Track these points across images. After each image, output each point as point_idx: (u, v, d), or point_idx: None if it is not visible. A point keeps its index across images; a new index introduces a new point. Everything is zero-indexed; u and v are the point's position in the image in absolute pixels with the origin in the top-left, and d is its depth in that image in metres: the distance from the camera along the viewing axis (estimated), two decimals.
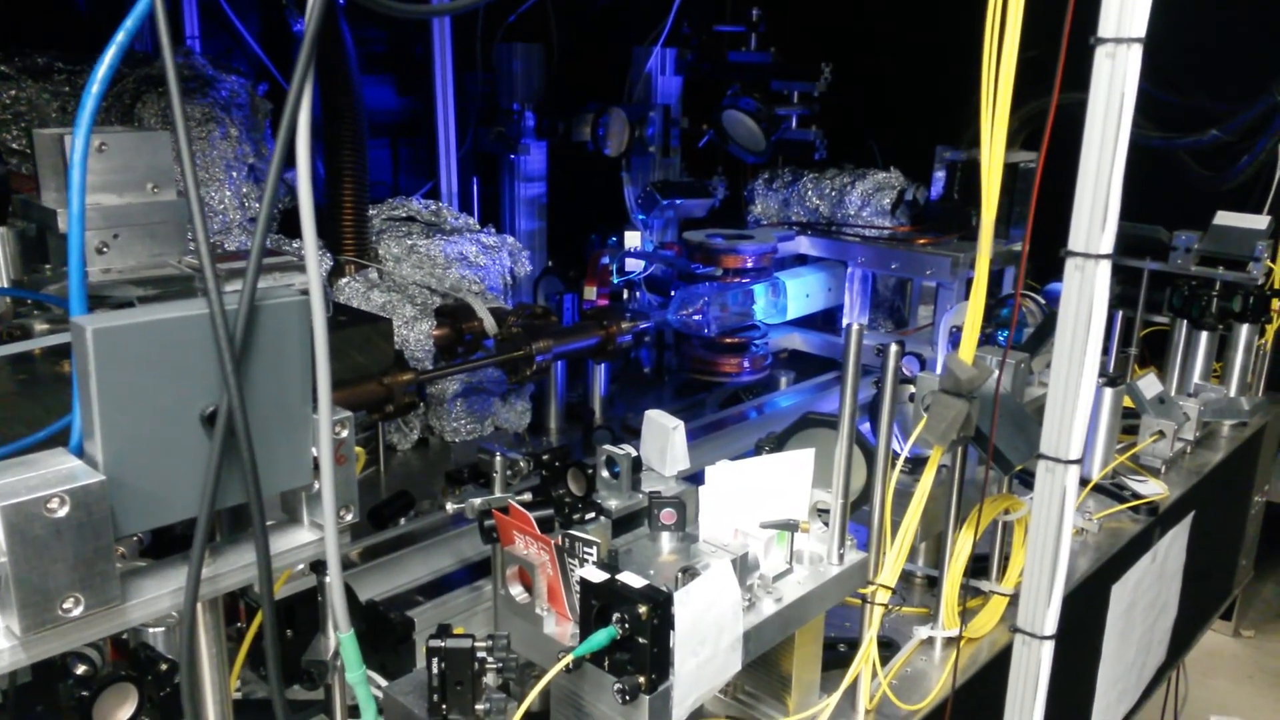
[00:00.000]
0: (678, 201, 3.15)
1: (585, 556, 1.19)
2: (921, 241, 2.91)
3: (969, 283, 2.62)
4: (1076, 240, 1.24)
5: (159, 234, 1.39)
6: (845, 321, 3.15)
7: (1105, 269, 1.23)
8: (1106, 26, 1.17)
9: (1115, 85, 1.17)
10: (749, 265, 2.85)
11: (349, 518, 0.92)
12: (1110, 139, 1.19)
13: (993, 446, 1.42)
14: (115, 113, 2.31)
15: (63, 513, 0.75)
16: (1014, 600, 1.68)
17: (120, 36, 0.74)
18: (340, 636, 0.93)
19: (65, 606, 0.77)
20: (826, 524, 1.36)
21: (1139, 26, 1.15)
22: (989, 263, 1.32)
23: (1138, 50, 1.16)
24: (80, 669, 1.09)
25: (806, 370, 3.04)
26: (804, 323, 3.13)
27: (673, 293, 2.85)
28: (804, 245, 3.10)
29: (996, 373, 1.39)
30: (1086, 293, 1.24)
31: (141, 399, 0.79)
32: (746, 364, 2.89)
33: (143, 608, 0.83)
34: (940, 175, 3.05)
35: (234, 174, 2.35)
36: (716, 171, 3.51)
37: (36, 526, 0.74)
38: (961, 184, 3.05)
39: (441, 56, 3.16)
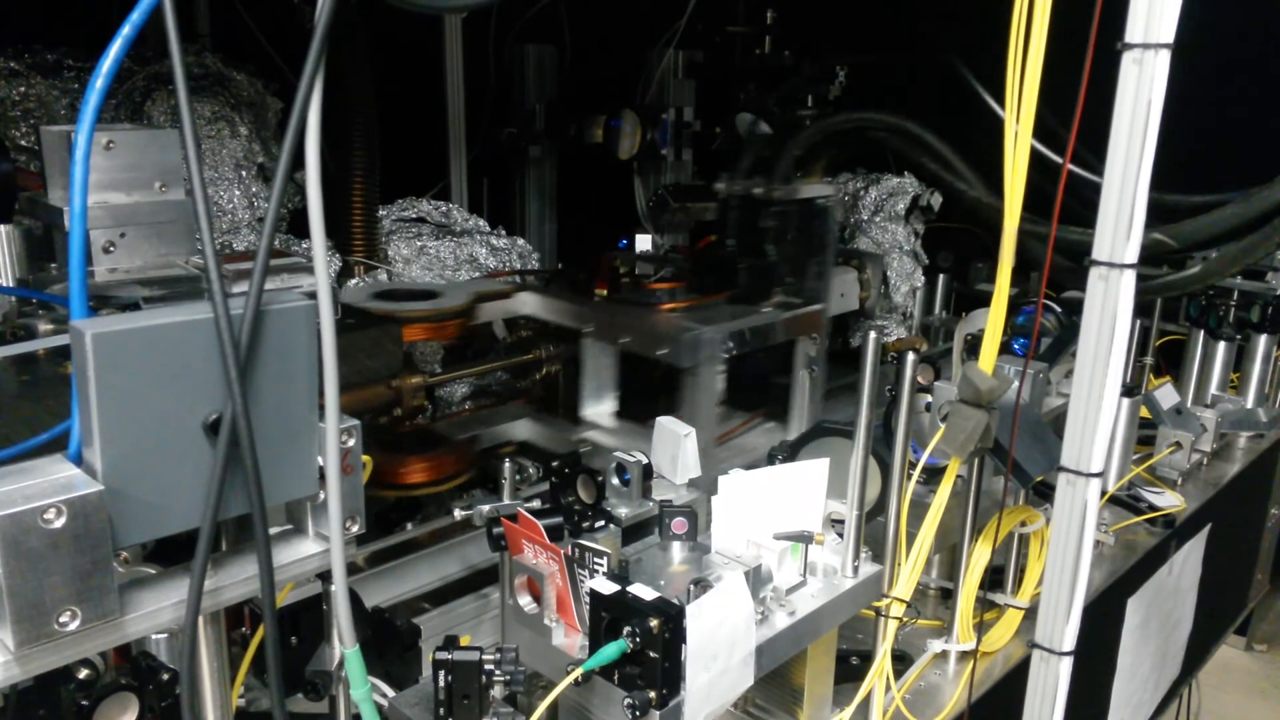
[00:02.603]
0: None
1: (595, 567, 1.17)
2: (668, 307, 2.15)
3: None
4: (1101, 249, 1.21)
5: (166, 233, 1.37)
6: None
7: (1130, 279, 1.21)
8: (1134, 31, 1.14)
9: (1142, 92, 1.15)
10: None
11: (355, 529, 0.90)
12: (1136, 147, 1.17)
13: (1012, 458, 1.39)
14: (125, 110, 2.30)
15: (59, 523, 0.73)
16: (1029, 614, 1.66)
17: (126, 30, 0.72)
18: (345, 652, 0.91)
19: (61, 620, 0.74)
20: (840, 535, 1.34)
21: (1168, 32, 1.13)
22: (1008, 282, 1.29)
23: (1165, 56, 1.14)
24: (82, 673, 1.08)
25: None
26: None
27: None
28: (529, 305, 2.30)
29: (1016, 383, 1.36)
30: (1110, 303, 1.22)
31: (142, 406, 0.77)
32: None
33: (142, 621, 0.81)
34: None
35: (243, 173, 2.34)
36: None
37: (32, 538, 0.72)
38: (738, 227, 2.28)
39: (452, 56, 3.14)
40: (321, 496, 0.89)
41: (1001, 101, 1.18)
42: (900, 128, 2.16)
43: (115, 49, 0.74)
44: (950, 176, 2.06)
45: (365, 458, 0.90)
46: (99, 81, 0.74)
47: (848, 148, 2.55)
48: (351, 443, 0.88)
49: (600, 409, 2.21)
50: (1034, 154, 1.23)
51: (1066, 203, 1.29)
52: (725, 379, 2.23)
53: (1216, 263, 1.67)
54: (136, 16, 0.73)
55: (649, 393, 2.28)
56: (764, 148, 2.37)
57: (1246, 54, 2.93)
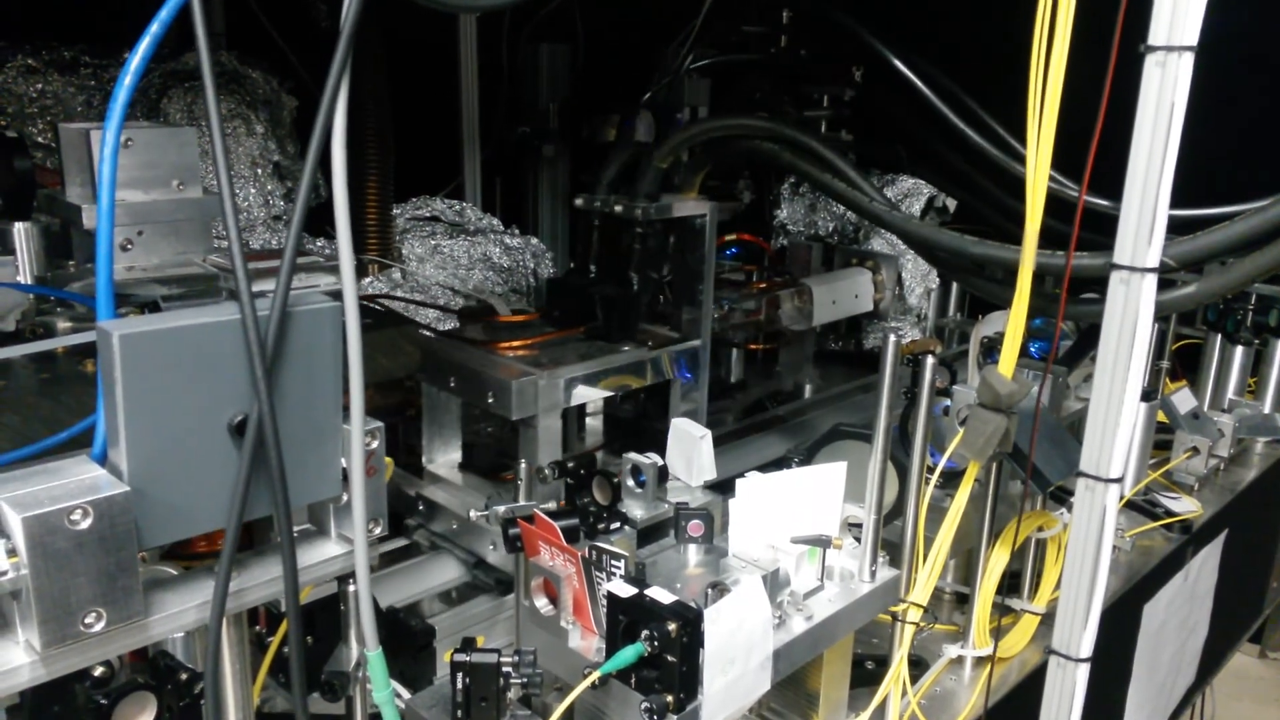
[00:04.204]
0: None
1: (612, 569, 1.16)
2: (506, 346, 1.81)
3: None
4: (1122, 253, 1.21)
5: (183, 231, 1.37)
6: None
7: (1151, 283, 1.20)
8: (1157, 34, 1.14)
9: (1165, 95, 1.14)
10: None
11: (378, 531, 0.90)
12: (1159, 150, 1.16)
13: (1032, 463, 1.38)
14: (141, 108, 2.31)
15: (85, 525, 0.73)
16: (1046, 619, 1.65)
17: (154, 28, 0.72)
18: (369, 655, 0.91)
19: (87, 621, 0.74)
20: (858, 539, 1.33)
21: (1191, 35, 1.12)
22: (1029, 287, 1.28)
23: (1189, 59, 1.13)
24: (97, 671, 1.07)
25: (831, 377, 3.00)
26: None
27: None
28: None
29: (1036, 388, 1.35)
30: (1131, 307, 1.21)
31: (168, 407, 0.77)
32: None
33: (167, 622, 0.81)
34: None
35: (259, 171, 2.34)
36: (742, 175, 3.47)
37: (59, 539, 0.72)
38: (600, 249, 1.98)
39: (467, 55, 3.14)
40: (344, 498, 0.89)
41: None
42: (786, 136, 1.82)
43: (144, 46, 0.73)
44: (856, 193, 1.76)
45: (387, 459, 0.89)
46: (128, 78, 0.73)
47: (728, 159, 2.21)
48: (375, 444, 0.88)
49: (444, 459, 1.92)
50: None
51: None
52: (603, 422, 2.03)
53: (1217, 281, 1.41)
54: (165, 14, 0.72)
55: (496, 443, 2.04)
56: (630, 156, 2.05)
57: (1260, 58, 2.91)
